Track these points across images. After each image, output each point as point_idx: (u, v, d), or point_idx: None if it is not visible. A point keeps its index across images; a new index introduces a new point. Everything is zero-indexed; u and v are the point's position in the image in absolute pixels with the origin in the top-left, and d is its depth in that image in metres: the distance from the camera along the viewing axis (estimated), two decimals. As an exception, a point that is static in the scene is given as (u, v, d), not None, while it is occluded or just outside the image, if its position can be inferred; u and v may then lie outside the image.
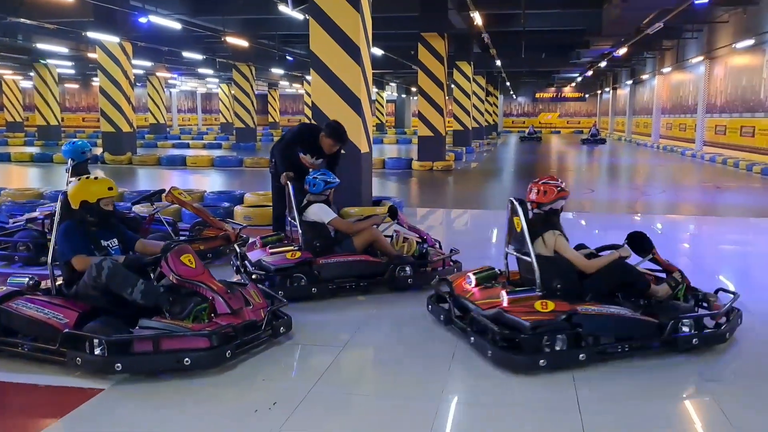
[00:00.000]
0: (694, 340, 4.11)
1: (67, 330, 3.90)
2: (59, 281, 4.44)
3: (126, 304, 4.12)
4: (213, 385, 3.77)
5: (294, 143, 6.78)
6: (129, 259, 4.38)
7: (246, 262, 5.69)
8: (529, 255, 4.43)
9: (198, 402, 3.60)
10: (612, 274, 4.52)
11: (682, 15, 17.29)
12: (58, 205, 4.43)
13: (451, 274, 5.33)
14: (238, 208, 9.38)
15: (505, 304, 4.16)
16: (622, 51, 23.91)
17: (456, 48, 24.65)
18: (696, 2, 14.74)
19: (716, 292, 4.64)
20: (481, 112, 35.15)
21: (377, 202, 9.93)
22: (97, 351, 3.76)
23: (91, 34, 19.02)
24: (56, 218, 4.42)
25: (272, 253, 5.57)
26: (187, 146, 29.97)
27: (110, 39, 18.98)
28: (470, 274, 4.73)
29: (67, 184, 6.99)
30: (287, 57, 30.26)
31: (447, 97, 20.20)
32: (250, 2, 18.85)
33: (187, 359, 3.78)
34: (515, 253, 4.68)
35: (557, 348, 3.91)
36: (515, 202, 4.60)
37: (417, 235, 6.19)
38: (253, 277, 5.39)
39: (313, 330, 4.73)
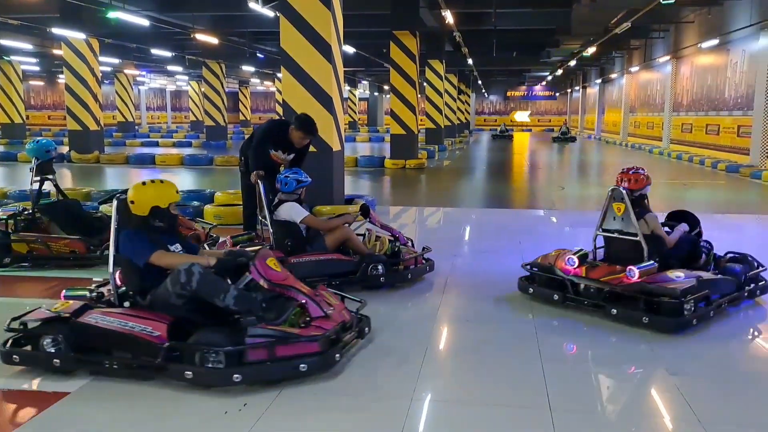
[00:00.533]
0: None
1: (173, 342, 3.69)
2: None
3: (207, 312, 3.95)
4: (180, 387, 3.71)
5: (266, 140, 6.72)
6: (222, 263, 4.13)
7: None
8: (634, 235, 5.13)
9: (165, 404, 3.54)
10: (682, 246, 5.48)
11: (650, 15, 17.51)
12: (115, 209, 4.16)
13: (540, 257, 5.57)
14: (208, 207, 9.29)
15: (636, 277, 4.79)
16: (591, 50, 24.16)
17: (428, 46, 24.70)
18: (663, 2, 14.93)
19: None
20: (453, 110, 35.29)
21: (350, 200, 9.90)
22: (210, 363, 3.60)
23: (57, 31, 18.72)
24: (113, 224, 4.15)
25: None
26: (157, 144, 29.65)
27: (76, 35, 18.69)
28: (573, 256, 5.22)
29: (31, 184, 6.89)
30: (258, 54, 30.04)
31: (419, 96, 20.23)
32: (220, -1, 18.72)
33: (303, 365, 3.69)
34: (615, 234, 5.30)
35: (692, 309, 4.61)
36: (622, 191, 5.20)
37: (389, 234, 6.17)
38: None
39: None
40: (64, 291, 4.25)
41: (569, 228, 9.50)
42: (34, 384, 3.77)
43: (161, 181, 4.28)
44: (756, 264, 5.54)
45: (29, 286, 6.01)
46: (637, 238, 5.10)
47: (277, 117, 25.34)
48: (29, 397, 3.66)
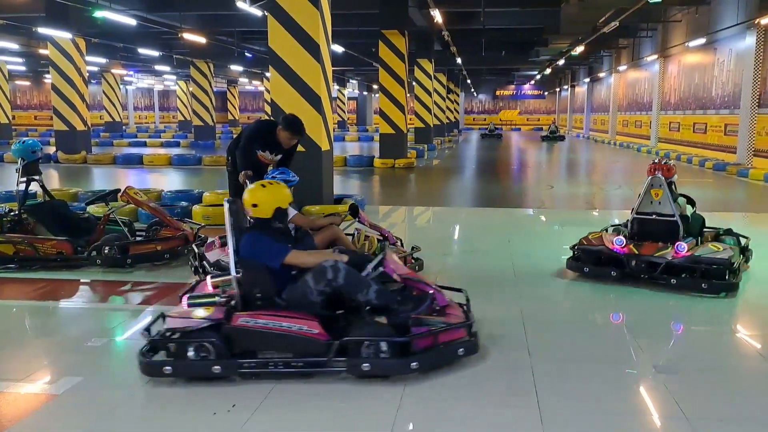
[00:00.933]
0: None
1: (345, 338, 3.75)
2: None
3: (334, 307, 4.06)
4: (169, 387, 3.69)
5: (253, 141, 6.69)
6: (352, 260, 4.22)
7: (204, 262, 5.60)
8: (670, 216, 5.94)
9: (152, 405, 3.52)
10: (696, 223, 6.30)
11: (637, 14, 17.61)
12: (227, 212, 4.16)
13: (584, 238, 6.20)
14: (196, 208, 9.25)
15: (686, 251, 5.60)
16: (580, 49, 24.24)
17: (417, 45, 24.71)
18: (650, 1, 15.00)
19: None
20: (443, 109, 35.32)
21: (339, 200, 9.89)
22: (383, 354, 3.73)
23: (43, 30, 18.57)
24: (228, 227, 4.14)
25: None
26: (144, 144, 29.50)
27: (62, 35, 18.55)
28: (620, 237, 5.90)
29: (17, 184, 6.83)
30: (246, 54, 30.00)
31: (408, 95, 20.23)
32: (207, -2, 18.66)
33: (461, 350, 3.91)
34: (653, 216, 6.05)
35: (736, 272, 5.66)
36: (661, 178, 6.02)
37: (378, 233, 6.17)
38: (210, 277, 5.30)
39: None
40: (185, 299, 4.08)
41: (558, 227, 9.52)
42: (21, 386, 3.73)
43: (277, 183, 4.39)
44: (742, 238, 6.51)
45: (16, 287, 5.95)
46: (673, 219, 5.92)
47: (266, 117, 25.28)
48: (17, 399, 3.61)
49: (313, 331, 3.80)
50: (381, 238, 6.12)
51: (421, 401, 3.58)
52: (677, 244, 5.69)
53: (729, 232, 6.51)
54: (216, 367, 3.71)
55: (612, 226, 6.91)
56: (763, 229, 9.89)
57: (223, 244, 5.78)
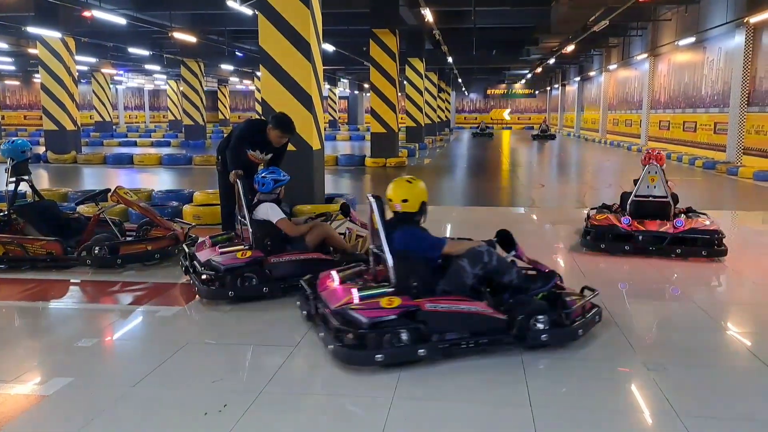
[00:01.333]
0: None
1: (522, 317, 4.14)
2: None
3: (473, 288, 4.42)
4: (160, 387, 3.69)
5: (243, 140, 6.68)
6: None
7: (195, 261, 5.58)
8: (663, 197, 7.19)
9: (144, 406, 3.51)
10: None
11: (627, 13, 17.65)
12: (376, 207, 4.48)
13: None
14: (186, 207, 9.21)
15: (684, 225, 6.86)
16: (570, 48, 24.30)
17: (408, 44, 24.73)
18: (640, 0, 15.06)
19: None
20: (434, 108, 35.36)
21: (330, 199, 9.88)
22: (544, 336, 4.15)
23: (32, 29, 18.50)
24: (380, 224, 4.47)
25: (222, 253, 5.47)
26: (135, 144, 29.41)
27: (52, 34, 18.47)
28: (626, 216, 7.12)
29: (6, 185, 6.79)
30: (237, 53, 29.92)
31: (399, 94, 20.24)
32: (198, -3, 18.61)
33: (597, 316, 4.49)
34: (649, 198, 7.28)
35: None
36: (656, 165, 7.29)
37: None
38: (203, 277, 5.29)
39: (265, 330, 4.68)
40: (357, 295, 4.24)
41: (549, 225, 9.54)
42: (10, 387, 3.71)
43: (416, 179, 4.69)
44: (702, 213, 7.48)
45: (5, 288, 5.91)
46: (666, 199, 7.14)
47: (256, 116, 25.31)
48: (7, 400, 3.59)
49: (489, 310, 4.18)
50: None
51: (414, 399, 3.59)
52: (676, 219, 6.86)
53: (690, 209, 7.61)
54: (421, 351, 3.97)
55: (595, 208, 7.95)
56: (754, 227, 9.96)
57: (214, 244, 5.78)
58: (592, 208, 7.78)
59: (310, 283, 4.87)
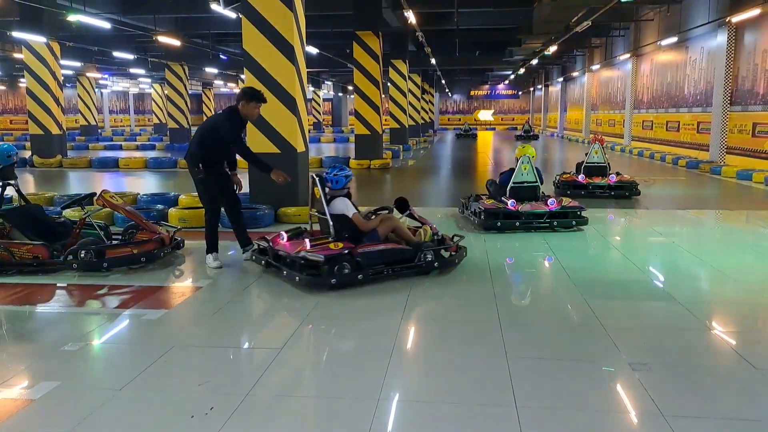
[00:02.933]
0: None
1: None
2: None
3: None
4: (146, 390, 3.71)
5: (235, 129, 6.67)
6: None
7: (278, 254, 6.17)
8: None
9: (130, 409, 3.52)
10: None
11: (610, 13, 17.82)
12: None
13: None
14: (172, 210, 9.21)
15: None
16: (553, 48, 24.44)
17: (391, 46, 24.77)
18: (622, 0, 15.20)
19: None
20: (418, 109, 35.44)
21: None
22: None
23: (17, 34, 18.41)
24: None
25: (314, 245, 5.96)
26: (120, 148, 29.26)
27: (36, 39, 18.39)
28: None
29: (-8, 190, 6.78)
30: (221, 56, 29.85)
31: (383, 96, 20.27)
32: (181, 1, 18.56)
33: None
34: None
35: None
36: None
37: (428, 225, 6.75)
38: (285, 272, 5.94)
39: (251, 332, 4.71)
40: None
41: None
42: (-3, 392, 3.72)
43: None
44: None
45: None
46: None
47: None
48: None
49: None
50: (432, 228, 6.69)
51: (401, 401, 3.63)
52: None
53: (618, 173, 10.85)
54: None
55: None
56: (736, 225, 10.07)
57: (291, 238, 6.43)
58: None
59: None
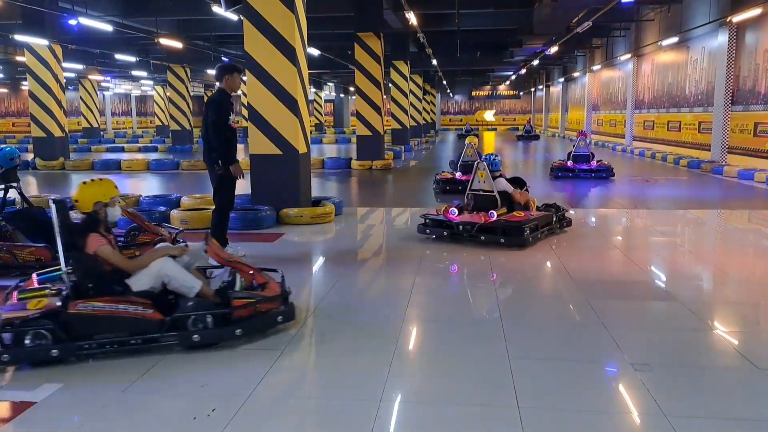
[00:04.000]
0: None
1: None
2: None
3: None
4: (149, 393, 3.72)
5: (227, 114, 6.73)
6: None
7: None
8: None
9: (133, 411, 3.54)
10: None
11: (610, 14, 17.80)
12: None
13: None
14: (174, 212, 9.23)
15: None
16: (554, 49, 24.44)
17: (392, 47, 24.79)
18: (623, 1, 15.20)
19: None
20: (419, 110, 35.44)
21: (317, 202, 9.93)
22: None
23: (19, 37, 18.44)
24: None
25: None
26: (122, 150, 29.32)
27: (39, 42, 18.41)
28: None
29: (-5, 193, 6.80)
30: (223, 58, 29.88)
31: (384, 96, 20.28)
32: (183, 3, 18.59)
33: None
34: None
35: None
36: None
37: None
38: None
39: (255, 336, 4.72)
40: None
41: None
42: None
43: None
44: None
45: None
46: (588, 153, 9.56)
47: (244, 120, 25.18)
48: (-5, 407, 3.63)
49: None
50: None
51: (402, 402, 3.64)
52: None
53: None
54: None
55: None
56: (738, 225, 10.07)
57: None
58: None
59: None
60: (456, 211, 7.89)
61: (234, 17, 14.19)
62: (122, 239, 6.98)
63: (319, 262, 7.34)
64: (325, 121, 55.49)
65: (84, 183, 4.50)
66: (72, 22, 15.89)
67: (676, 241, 8.37)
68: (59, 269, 4.35)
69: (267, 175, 9.42)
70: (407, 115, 26.54)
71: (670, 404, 3.53)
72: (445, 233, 7.81)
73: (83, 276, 4.26)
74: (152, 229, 6.94)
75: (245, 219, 8.81)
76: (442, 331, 4.88)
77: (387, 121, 22.41)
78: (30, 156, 20.54)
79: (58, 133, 19.75)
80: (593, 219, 10.12)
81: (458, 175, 12.84)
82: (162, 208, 9.77)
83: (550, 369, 4.05)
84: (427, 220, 8.09)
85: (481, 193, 8.15)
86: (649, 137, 25.23)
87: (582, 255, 7.37)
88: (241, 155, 17.01)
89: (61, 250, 4.28)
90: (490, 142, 36.46)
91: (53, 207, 4.30)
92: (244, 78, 8.19)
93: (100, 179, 4.61)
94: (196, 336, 4.22)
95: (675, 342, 4.53)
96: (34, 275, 4.66)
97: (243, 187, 8.13)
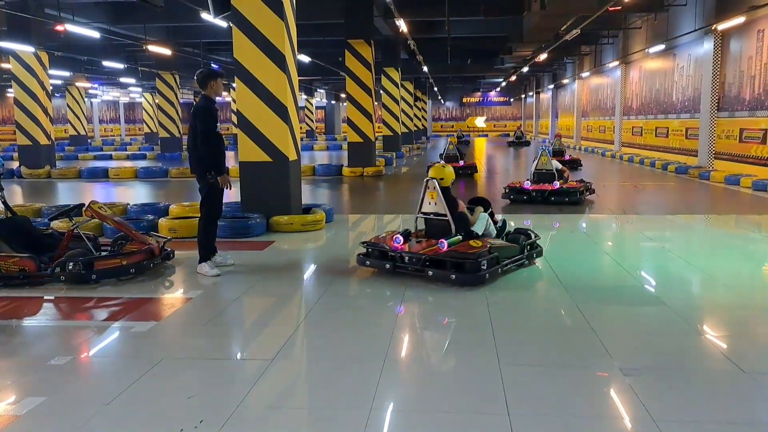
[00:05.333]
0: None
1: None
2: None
3: None
4: (134, 404, 3.66)
5: (215, 120, 6.68)
6: None
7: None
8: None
9: (119, 423, 3.48)
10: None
11: (598, 22, 17.91)
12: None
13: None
14: (162, 221, 9.15)
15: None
16: (543, 56, 24.54)
17: (383, 54, 24.84)
18: (610, 9, 15.27)
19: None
20: (410, 117, 35.49)
21: (307, 209, 9.88)
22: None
23: (4, 44, 18.31)
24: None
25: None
26: (110, 158, 29.15)
27: (25, 49, 18.31)
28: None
29: (-22, 202, 6.71)
30: (212, 65, 29.81)
31: (376, 103, 20.29)
32: (172, 10, 18.53)
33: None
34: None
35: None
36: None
37: None
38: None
39: (240, 343, 4.68)
40: None
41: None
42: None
43: None
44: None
45: (-23, 306, 5.84)
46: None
47: (234, 127, 25.17)
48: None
49: None
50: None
51: (394, 411, 3.60)
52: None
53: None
54: None
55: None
56: (725, 229, 10.10)
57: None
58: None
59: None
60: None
61: (223, 24, 14.14)
62: (109, 248, 6.93)
63: (309, 270, 7.29)
64: (317, 127, 55.50)
65: None
66: (59, 28, 15.81)
67: (666, 246, 8.37)
68: None
69: (257, 183, 9.37)
70: (398, 121, 26.58)
71: (660, 409, 3.52)
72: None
73: None
74: (140, 238, 6.88)
75: (235, 227, 8.74)
76: (433, 337, 4.86)
77: (378, 127, 22.43)
78: (15, 164, 20.40)
79: (44, 141, 19.62)
80: (583, 224, 10.12)
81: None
82: (150, 217, 9.70)
83: (540, 374, 4.03)
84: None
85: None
86: (637, 143, 25.35)
87: (570, 260, 7.34)
88: (231, 162, 16.94)
89: None
90: (481, 148, 36.54)
91: None
92: (225, 83, 8.12)
93: None
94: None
95: (664, 347, 4.53)
96: None
97: (233, 194, 8.07)
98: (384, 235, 6.92)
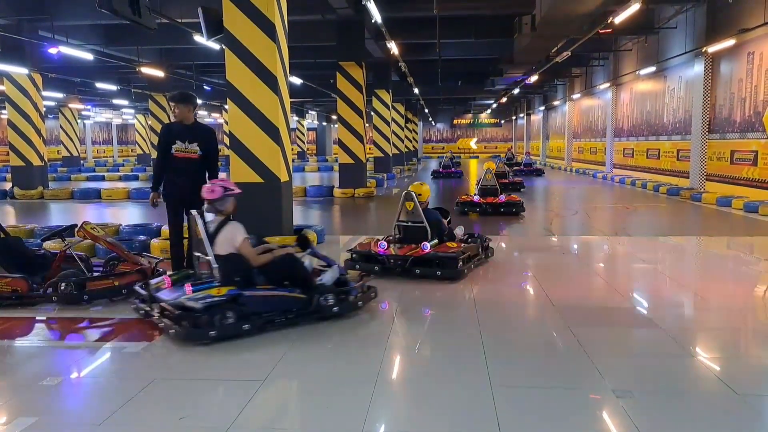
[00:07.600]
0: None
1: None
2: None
3: None
4: (126, 425, 3.65)
5: (162, 141, 7.01)
6: None
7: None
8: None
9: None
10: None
11: (589, 44, 18.09)
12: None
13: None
14: (155, 241, 9.16)
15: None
16: (534, 78, 24.75)
17: (374, 76, 24.99)
18: (601, 32, 15.45)
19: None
20: (401, 138, 35.62)
21: (298, 230, 9.86)
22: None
23: (-2, 66, 18.37)
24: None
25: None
26: (103, 179, 29.11)
27: (18, 71, 18.35)
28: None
29: (-29, 222, 6.69)
30: (205, 87, 29.97)
31: (367, 125, 20.38)
32: (165, 32, 18.64)
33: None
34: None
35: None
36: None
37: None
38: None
39: (232, 365, 4.67)
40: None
41: (517, 253, 9.66)
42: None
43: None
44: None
45: (-32, 327, 5.81)
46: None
47: (226, 149, 25.28)
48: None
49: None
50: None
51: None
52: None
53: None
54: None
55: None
56: (717, 251, 10.15)
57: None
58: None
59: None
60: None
61: (216, 46, 14.24)
62: (101, 269, 6.92)
63: (300, 291, 7.28)
64: (308, 149, 55.64)
65: None
66: (52, 50, 15.87)
67: (657, 268, 8.42)
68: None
69: (248, 204, 9.35)
70: (389, 143, 26.68)
71: (652, 431, 3.52)
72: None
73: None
74: (132, 258, 6.88)
75: (226, 248, 8.72)
76: (425, 357, 4.86)
77: (369, 149, 22.50)
78: (8, 185, 20.35)
79: (37, 162, 19.60)
80: (575, 246, 10.16)
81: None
82: (142, 238, 9.70)
83: (532, 395, 4.03)
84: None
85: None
86: (629, 165, 25.50)
87: (563, 282, 7.38)
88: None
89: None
90: (473, 170, 36.66)
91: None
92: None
93: None
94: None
95: (656, 368, 4.54)
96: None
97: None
98: (366, 241, 7.88)
